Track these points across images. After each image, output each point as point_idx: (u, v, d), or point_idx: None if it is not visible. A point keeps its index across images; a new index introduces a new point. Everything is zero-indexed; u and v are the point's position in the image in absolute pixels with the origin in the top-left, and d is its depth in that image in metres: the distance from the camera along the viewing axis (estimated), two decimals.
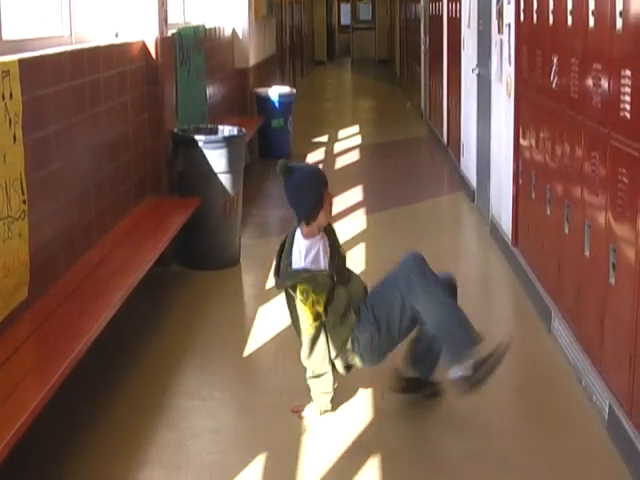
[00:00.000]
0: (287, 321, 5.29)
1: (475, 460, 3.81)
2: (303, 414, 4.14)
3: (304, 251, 4.05)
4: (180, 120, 7.00)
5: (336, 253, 4.16)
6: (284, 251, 4.13)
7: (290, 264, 4.07)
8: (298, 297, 4.02)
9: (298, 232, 4.12)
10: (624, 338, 3.78)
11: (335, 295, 4.01)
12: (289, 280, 4.06)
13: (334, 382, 4.12)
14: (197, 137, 6.40)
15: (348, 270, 4.23)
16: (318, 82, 24.29)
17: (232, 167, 6.46)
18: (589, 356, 4.32)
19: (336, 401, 4.26)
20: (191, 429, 4.06)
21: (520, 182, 6.14)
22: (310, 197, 4.08)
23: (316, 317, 4.00)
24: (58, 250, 4.57)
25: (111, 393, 4.41)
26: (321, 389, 4.12)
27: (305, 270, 4.03)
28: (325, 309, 4.00)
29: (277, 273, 4.15)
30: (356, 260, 6.53)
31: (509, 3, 6.47)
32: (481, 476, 3.70)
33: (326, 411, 4.14)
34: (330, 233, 4.22)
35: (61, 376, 3.42)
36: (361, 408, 4.23)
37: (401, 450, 3.91)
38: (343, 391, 4.30)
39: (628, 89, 3.68)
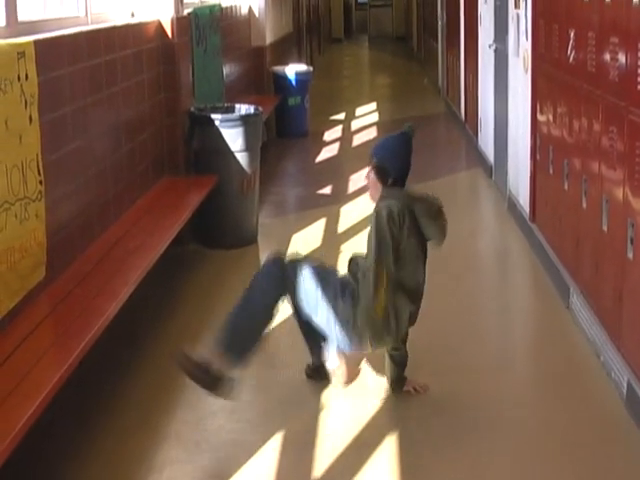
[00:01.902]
0: None
1: (491, 435, 3.82)
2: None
3: None
4: (197, 99, 7.00)
5: None
6: None
7: None
8: None
9: None
10: None
11: None
12: None
13: None
14: (214, 116, 6.40)
15: None
16: (335, 60, 24.20)
17: (249, 145, 6.46)
18: (607, 331, 4.30)
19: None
20: (209, 407, 4.07)
21: (538, 157, 6.10)
22: None
23: None
24: (75, 230, 4.58)
25: (129, 373, 4.43)
26: None
27: None
28: None
29: None
30: None
31: None
32: (497, 450, 3.71)
33: None
34: None
35: (78, 356, 3.43)
36: (378, 386, 4.23)
37: (417, 427, 3.91)
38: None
39: None
